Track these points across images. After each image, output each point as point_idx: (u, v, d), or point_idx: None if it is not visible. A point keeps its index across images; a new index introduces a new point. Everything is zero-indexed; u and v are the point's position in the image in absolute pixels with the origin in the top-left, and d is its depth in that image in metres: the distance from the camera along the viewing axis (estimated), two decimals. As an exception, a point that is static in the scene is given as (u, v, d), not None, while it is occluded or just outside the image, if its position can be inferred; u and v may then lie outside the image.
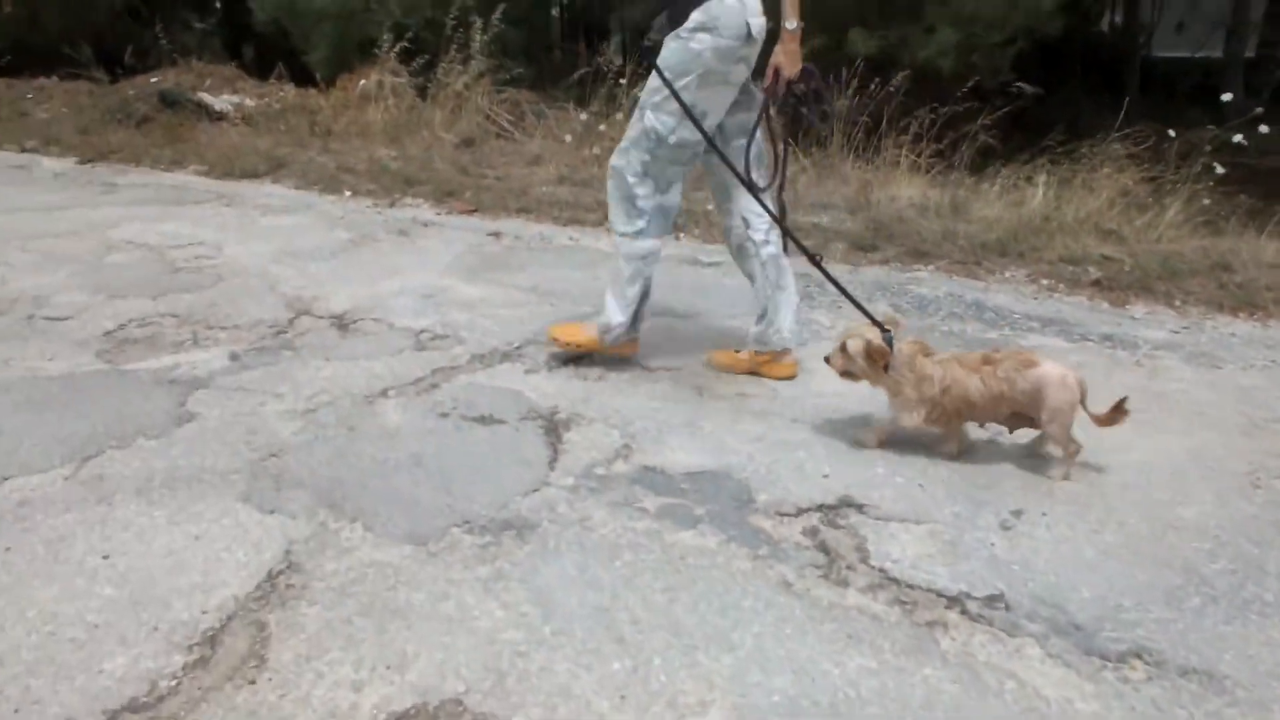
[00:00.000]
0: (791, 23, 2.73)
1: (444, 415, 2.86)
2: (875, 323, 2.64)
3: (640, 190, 2.94)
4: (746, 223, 3.08)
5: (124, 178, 6.60)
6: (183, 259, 4.52)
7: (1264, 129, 6.20)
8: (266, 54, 14.24)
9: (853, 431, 2.78)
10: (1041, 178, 6.16)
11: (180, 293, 3.99)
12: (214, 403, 2.92)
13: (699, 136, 2.85)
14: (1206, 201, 5.90)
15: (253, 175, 6.57)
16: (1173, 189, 6.07)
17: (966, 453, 2.66)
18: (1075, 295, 4.20)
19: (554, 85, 9.89)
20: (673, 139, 2.85)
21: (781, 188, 3.06)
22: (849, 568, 2.16)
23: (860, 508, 2.40)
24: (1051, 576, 2.12)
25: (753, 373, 3.22)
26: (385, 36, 8.39)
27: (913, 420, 2.57)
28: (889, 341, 2.57)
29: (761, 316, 3.16)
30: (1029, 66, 10.28)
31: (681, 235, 5.11)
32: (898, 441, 2.71)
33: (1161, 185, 6.23)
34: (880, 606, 2.02)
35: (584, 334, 3.21)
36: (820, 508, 2.40)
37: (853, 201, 5.82)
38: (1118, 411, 2.54)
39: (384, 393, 3.02)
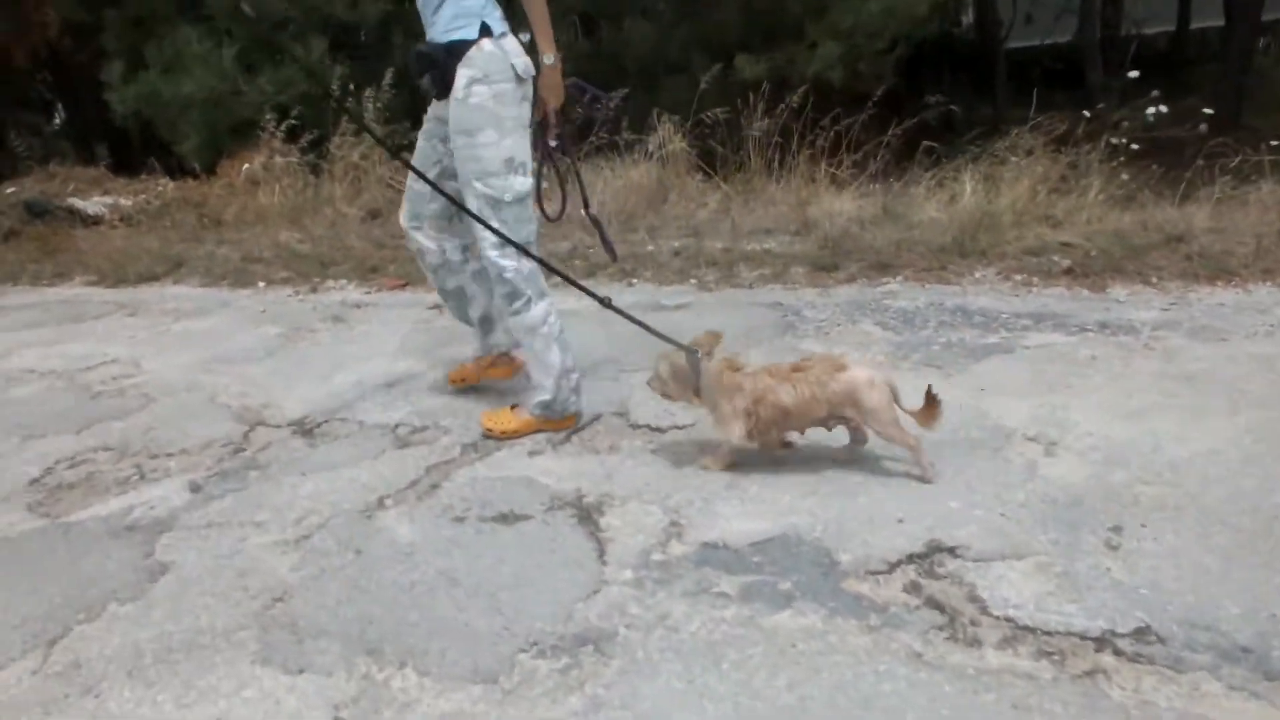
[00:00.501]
0: (549, 58, 2.74)
1: (459, 520, 2.53)
2: (682, 347, 2.65)
3: (506, 264, 2.86)
4: (463, 249, 3.13)
5: (3, 299, 5.97)
6: (99, 382, 4.03)
7: (1163, 109, 6.42)
8: (121, 151, 13.46)
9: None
10: (967, 174, 6.22)
11: (107, 420, 3.52)
12: (187, 546, 2.52)
13: (529, 184, 2.85)
14: (1125, 177, 6.05)
15: (150, 278, 6.04)
16: (1087, 170, 6.23)
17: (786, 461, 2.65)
18: (1052, 286, 4.15)
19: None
20: (509, 196, 2.80)
21: (586, 202, 3.12)
22: (972, 623, 1.94)
23: (952, 551, 2.19)
24: (1188, 595, 1.95)
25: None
26: (268, 116, 7.95)
27: (735, 434, 2.54)
28: (695, 363, 2.59)
29: (485, 321, 3.27)
30: (906, 71, 10.57)
31: (634, 281, 4.88)
32: (962, 471, 2.53)
33: (1075, 168, 6.39)
34: (1027, 663, 1.80)
35: (518, 419, 3.06)
36: (911, 559, 2.18)
37: (791, 222, 5.72)
38: (931, 403, 2.50)
39: (381, 503, 2.67)
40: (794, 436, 2.70)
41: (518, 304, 2.90)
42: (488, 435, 3.05)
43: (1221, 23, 15.40)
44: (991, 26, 13.02)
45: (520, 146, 2.79)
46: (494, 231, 2.81)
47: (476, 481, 2.76)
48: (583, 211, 3.13)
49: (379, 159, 7.57)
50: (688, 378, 2.61)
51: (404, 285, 5.29)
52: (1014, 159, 6.32)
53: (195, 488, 2.88)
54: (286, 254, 6.19)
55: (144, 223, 7.92)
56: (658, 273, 4.93)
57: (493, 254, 2.85)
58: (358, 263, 5.75)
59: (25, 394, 3.95)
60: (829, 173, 6.96)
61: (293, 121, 7.78)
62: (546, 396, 2.98)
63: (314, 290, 5.39)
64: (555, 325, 2.96)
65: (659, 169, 6.85)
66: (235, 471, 2.98)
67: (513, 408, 3.10)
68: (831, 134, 7.05)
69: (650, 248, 5.45)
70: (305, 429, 3.29)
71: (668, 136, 6.83)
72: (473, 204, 2.82)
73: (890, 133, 7.07)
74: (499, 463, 2.88)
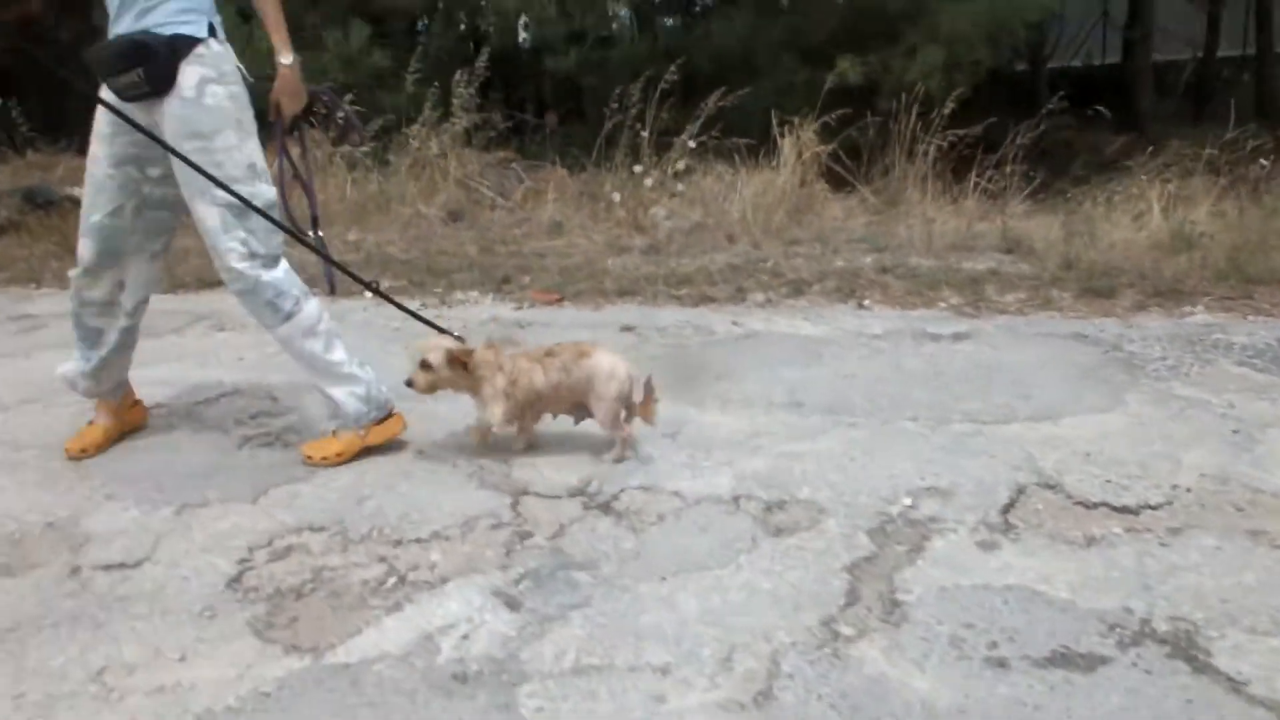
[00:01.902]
0: (286, 58, 2.55)
1: (997, 664, 1.66)
2: (445, 332, 2.63)
3: (263, 274, 2.58)
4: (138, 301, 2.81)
5: (34, 304, 4.81)
6: (233, 422, 3.04)
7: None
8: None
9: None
10: (1153, 193, 5.63)
11: (286, 483, 2.54)
12: (582, 713, 1.59)
13: (274, 191, 2.59)
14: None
15: (214, 283, 4.97)
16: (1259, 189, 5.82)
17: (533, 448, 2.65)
18: None
19: (520, 142, 8.70)
20: (258, 203, 2.54)
21: (315, 221, 2.87)
22: None
23: None
24: None
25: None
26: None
27: (495, 416, 2.54)
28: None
29: (104, 365, 2.84)
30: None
31: (865, 302, 4.04)
32: None
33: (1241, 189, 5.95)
34: None
35: (338, 443, 2.71)
36: None
37: (986, 238, 4.97)
38: (649, 397, 2.55)
39: (831, 631, 1.78)
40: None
41: (287, 306, 2.63)
42: (308, 462, 2.66)
43: (1238, 52, 15.59)
44: (1040, 46, 12.60)
45: (258, 152, 2.57)
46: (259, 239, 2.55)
47: (948, 594, 1.88)
48: (310, 232, 2.80)
49: (455, 153, 6.63)
50: (465, 358, 2.54)
51: (559, 299, 4.36)
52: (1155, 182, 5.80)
53: (509, 601, 1.94)
54: (381, 258, 5.20)
55: (168, 220, 6.80)
56: (885, 294, 4.09)
57: (242, 266, 2.54)
58: (483, 272, 4.79)
59: (149, 442, 2.93)
60: (976, 187, 6.33)
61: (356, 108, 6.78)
62: (357, 403, 2.67)
63: (444, 303, 4.42)
64: (332, 325, 2.75)
65: (791, 176, 6.04)
66: (549, 572, 2.04)
67: (333, 433, 2.74)
68: (938, 147, 6.49)
69: (839, 263, 4.63)
70: (598, 502, 2.36)
71: (804, 142, 6.02)
72: (212, 216, 2.50)
73: (1018, 141, 6.63)
74: (951, 561, 2.00)
